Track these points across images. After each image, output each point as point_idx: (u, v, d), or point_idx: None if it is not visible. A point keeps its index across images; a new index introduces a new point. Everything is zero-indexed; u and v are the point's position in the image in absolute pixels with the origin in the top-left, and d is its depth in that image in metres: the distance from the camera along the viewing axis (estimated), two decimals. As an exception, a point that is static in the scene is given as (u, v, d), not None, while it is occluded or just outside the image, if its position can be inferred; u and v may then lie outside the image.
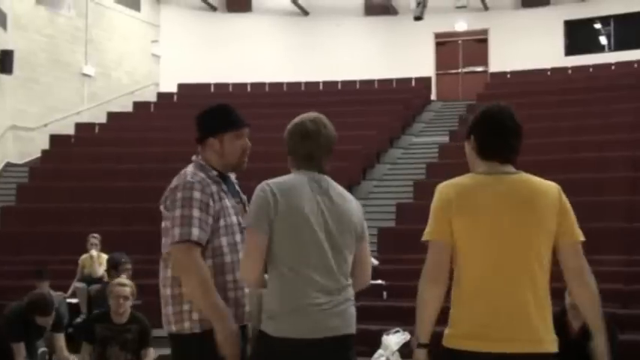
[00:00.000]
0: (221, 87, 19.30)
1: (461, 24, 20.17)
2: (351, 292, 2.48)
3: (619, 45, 19.08)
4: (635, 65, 17.24)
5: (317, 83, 19.39)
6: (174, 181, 2.69)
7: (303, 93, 18.96)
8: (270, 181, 2.48)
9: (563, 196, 2.36)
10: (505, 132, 2.39)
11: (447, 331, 2.35)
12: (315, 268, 2.39)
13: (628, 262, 8.71)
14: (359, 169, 13.18)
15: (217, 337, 2.49)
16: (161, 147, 14.11)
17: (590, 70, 17.91)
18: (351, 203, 2.55)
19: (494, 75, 19.02)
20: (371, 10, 20.89)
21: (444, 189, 2.40)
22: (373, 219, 10.07)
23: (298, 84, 19.48)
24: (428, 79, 19.68)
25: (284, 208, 2.40)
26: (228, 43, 20.15)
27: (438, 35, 20.36)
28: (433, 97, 19.52)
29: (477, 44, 20.22)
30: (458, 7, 20.03)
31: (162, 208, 2.67)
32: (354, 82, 19.25)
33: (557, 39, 19.40)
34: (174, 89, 19.24)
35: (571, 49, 19.39)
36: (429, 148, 14.69)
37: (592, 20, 19.52)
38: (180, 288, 2.61)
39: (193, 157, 2.83)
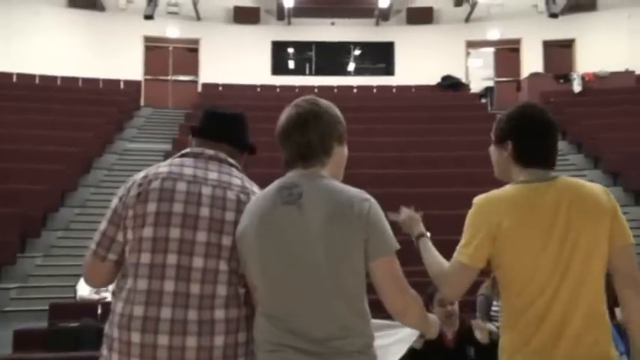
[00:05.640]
0: None
1: (173, 30, 19.69)
2: (347, 338, 1.85)
3: (319, 70, 20.53)
4: (336, 90, 18.71)
5: (10, 74, 17.13)
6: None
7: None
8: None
9: (612, 197, 2.10)
10: (550, 134, 2.13)
11: None
12: (274, 309, 1.91)
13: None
14: (76, 174, 11.87)
15: None
16: None
17: (297, 90, 18.90)
18: (348, 209, 1.85)
19: (206, 85, 18.93)
20: (75, 2, 19.21)
21: (488, 206, 2.05)
22: (94, 229, 9.03)
23: (-14, 74, 16.98)
24: (138, 83, 18.81)
25: (243, 235, 1.96)
26: None
27: (147, 39, 19.58)
28: (141, 102, 18.69)
29: (189, 53, 19.92)
30: (170, 13, 19.60)
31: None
32: (54, 77, 17.47)
33: (265, 57, 20.11)
34: None
35: (277, 69, 20.26)
36: (147, 154, 14.01)
37: (296, 44, 20.68)
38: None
39: None
